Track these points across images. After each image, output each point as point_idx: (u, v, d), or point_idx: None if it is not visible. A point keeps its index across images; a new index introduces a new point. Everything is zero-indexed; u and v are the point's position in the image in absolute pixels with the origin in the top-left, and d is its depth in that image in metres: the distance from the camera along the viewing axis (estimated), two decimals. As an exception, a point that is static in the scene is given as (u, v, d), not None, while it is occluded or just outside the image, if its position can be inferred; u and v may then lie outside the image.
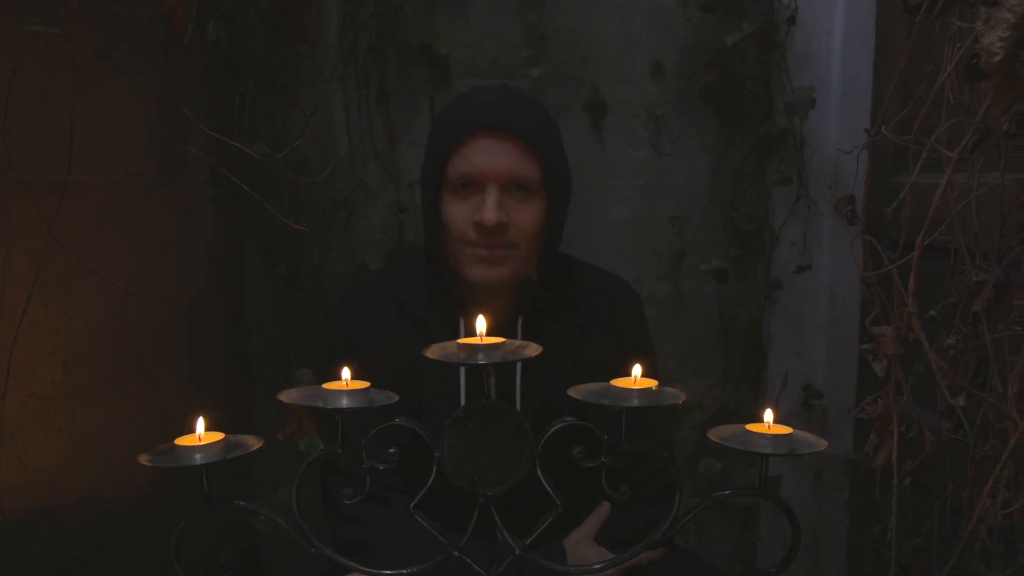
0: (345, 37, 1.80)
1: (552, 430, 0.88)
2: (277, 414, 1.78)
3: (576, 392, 0.86)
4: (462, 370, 1.22)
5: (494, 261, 1.18)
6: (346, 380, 0.88)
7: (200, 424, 0.86)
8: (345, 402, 0.85)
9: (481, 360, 0.82)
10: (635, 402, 0.83)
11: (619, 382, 0.86)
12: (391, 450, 0.87)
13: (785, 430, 0.83)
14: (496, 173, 1.15)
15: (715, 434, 0.84)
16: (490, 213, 1.14)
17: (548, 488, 0.88)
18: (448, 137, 1.18)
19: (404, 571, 0.89)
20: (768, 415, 0.85)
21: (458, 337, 1.17)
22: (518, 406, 1.23)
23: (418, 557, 0.91)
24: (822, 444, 0.82)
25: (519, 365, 1.22)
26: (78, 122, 1.10)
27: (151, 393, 1.38)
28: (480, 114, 1.17)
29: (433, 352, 0.84)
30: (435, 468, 0.86)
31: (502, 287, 1.19)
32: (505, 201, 1.16)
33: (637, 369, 0.87)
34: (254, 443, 0.86)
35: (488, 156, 1.15)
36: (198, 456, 0.82)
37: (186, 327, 1.57)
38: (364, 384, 0.88)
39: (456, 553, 0.89)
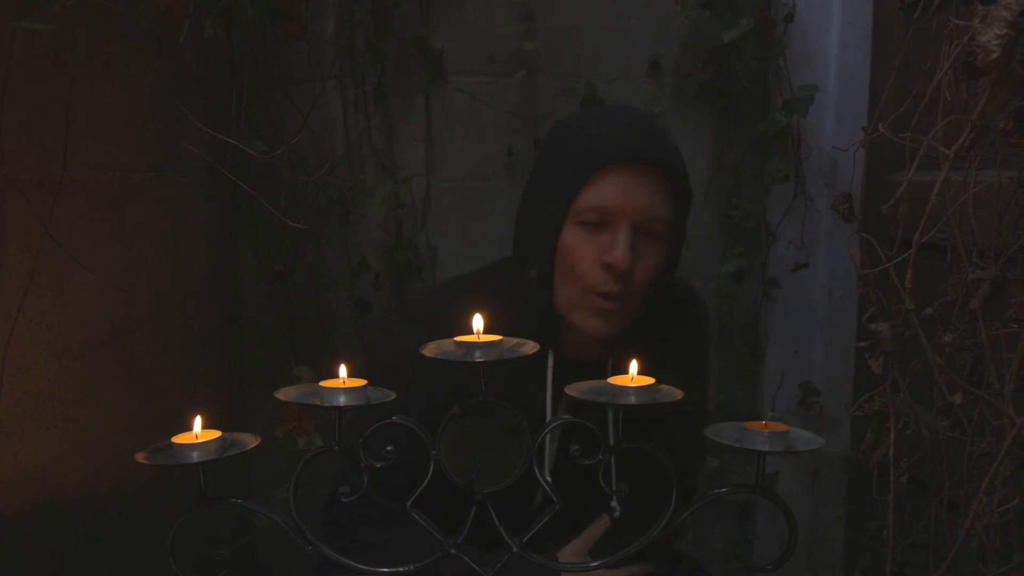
0: (342, 34, 1.79)
1: (549, 428, 0.88)
2: (274, 411, 1.79)
3: (573, 390, 0.85)
4: (548, 401, 1.15)
5: (609, 316, 1.09)
6: (343, 378, 0.87)
7: (197, 422, 0.85)
8: (342, 399, 0.84)
9: (478, 357, 0.81)
10: (632, 399, 0.83)
11: (616, 380, 0.85)
12: (388, 448, 0.87)
13: (782, 427, 0.83)
14: (634, 210, 1.06)
15: (712, 431, 0.84)
16: (623, 253, 1.05)
17: (545, 487, 0.88)
18: (586, 164, 1.06)
19: (401, 569, 0.89)
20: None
21: (545, 371, 1.15)
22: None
23: (414, 557, 0.90)
24: (819, 441, 0.82)
25: None
26: (73, 119, 1.09)
27: (146, 389, 1.38)
28: (628, 144, 1.07)
29: (429, 350, 0.84)
30: (432, 467, 0.86)
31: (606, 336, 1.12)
32: (635, 242, 1.06)
33: (634, 366, 0.86)
34: (251, 441, 0.86)
35: (628, 190, 1.06)
36: (195, 454, 0.82)
37: (181, 324, 1.57)
38: (361, 381, 0.87)
39: (453, 551, 0.89)
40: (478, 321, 0.86)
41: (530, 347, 0.85)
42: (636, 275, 1.08)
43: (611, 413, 1.07)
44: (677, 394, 0.84)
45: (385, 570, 0.89)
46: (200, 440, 0.83)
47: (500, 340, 0.84)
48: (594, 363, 1.17)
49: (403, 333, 1.24)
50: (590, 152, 1.07)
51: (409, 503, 0.89)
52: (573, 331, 1.13)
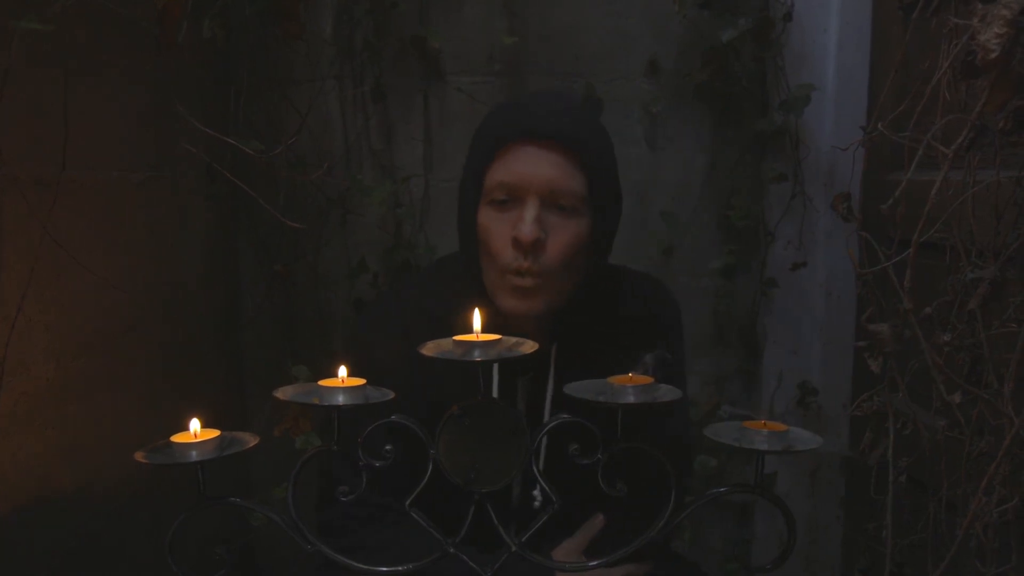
0: (340, 34, 1.79)
1: (548, 427, 0.88)
2: (273, 411, 1.79)
3: (572, 389, 0.85)
4: (495, 382, 1.14)
5: (526, 293, 1.09)
6: (342, 378, 0.87)
7: (194, 422, 0.85)
8: (341, 399, 0.84)
9: (477, 357, 0.81)
10: (631, 399, 0.83)
11: (615, 379, 0.85)
12: (387, 447, 0.87)
13: (781, 427, 0.83)
14: (537, 184, 1.07)
15: (711, 431, 0.84)
16: (528, 227, 1.06)
17: (544, 486, 0.88)
18: (488, 145, 1.10)
19: (400, 568, 0.89)
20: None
21: None
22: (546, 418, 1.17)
23: (412, 558, 0.90)
24: (818, 441, 0.82)
25: (551, 381, 1.17)
26: (72, 119, 1.09)
27: (144, 389, 1.38)
28: (524, 121, 1.09)
29: (428, 349, 0.84)
30: (431, 465, 0.86)
31: (535, 317, 1.12)
32: (545, 217, 1.08)
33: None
34: (250, 440, 0.86)
35: (529, 165, 1.07)
36: (194, 453, 0.82)
37: (179, 323, 1.56)
38: (360, 381, 0.87)
39: (452, 550, 0.89)
40: (477, 321, 0.86)
41: (528, 346, 0.85)
42: (549, 250, 1.08)
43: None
44: (677, 393, 0.84)
45: (384, 569, 0.89)
46: (199, 439, 0.83)
47: (499, 339, 0.84)
48: (539, 350, 1.16)
49: (370, 328, 1.26)
50: (495, 132, 1.10)
51: (408, 502, 0.89)
52: (509, 317, 1.12)
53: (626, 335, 1.20)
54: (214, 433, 0.85)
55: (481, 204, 1.11)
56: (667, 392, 0.84)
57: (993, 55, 0.77)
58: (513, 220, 1.08)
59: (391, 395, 0.87)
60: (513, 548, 0.89)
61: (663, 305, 1.30)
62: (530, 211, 1.07)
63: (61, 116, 1.08)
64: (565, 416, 0.87)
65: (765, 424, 0.83)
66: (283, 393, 0.86)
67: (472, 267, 1.14)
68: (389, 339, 1.18)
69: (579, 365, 1.03)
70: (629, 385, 0.84)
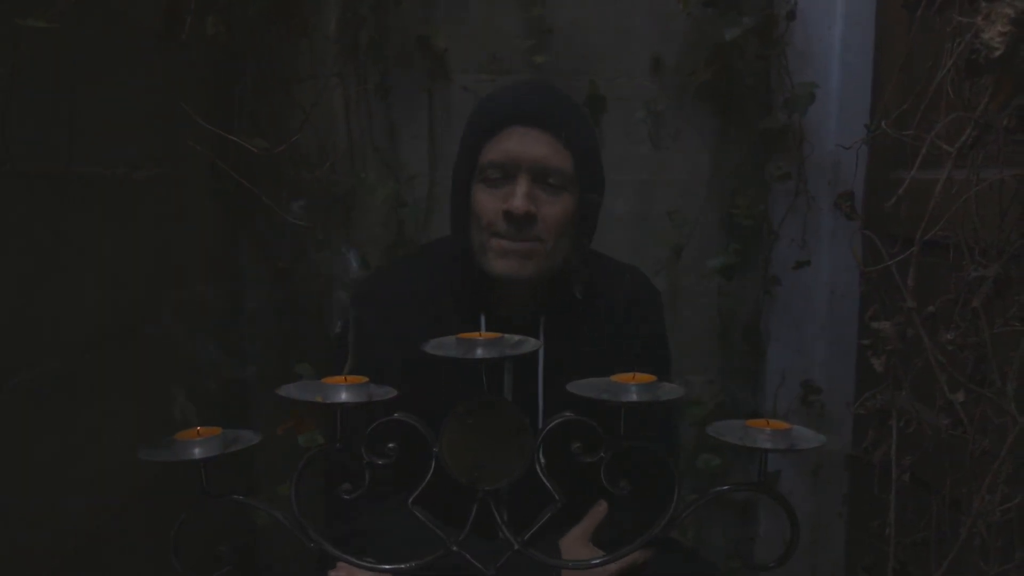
0: (345, 31, 1.79)
1: (550, 425, 0.88)
2: (276, 409, 1.79)
3: (574, 387, 0.86)
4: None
5: (519, 255, 1.16)
6: (345, 375, 0.88)
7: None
8: (344, 396, 0.84)
9: (480, 355, 0.82)
10: (634, 397, 0.83)
11: (618, 377, 0.85)
12: (390, 445, 0.87)
13: (784, 425, 0.83)
14: (528, 162, 1.15)
15: (714, 429, 0.84)
16: (519, 201, 1.14)
17: (547, 483, 0.88)
18: (484, 128, 1.18)
19: (403, 565, 0.89)
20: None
21: (479, 331, 1.15)
22: (540, 406, 1.20)
23: (415, 553, 0.90)
24: (821, 439, 0.82)
25: (540, 365, 1.21)
26: (78, 115, 1.10)
27: (148, 386, 1.38)
28: (513, 108, 1.18)
29: (431, 347, 0.84)
30: (434, 462, 0.86)
31: (525, 283, 1.18)
32: (535, 192, 1.16)
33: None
34: (253, 438, 0.86)
35: (521, 145, 1.15)
36: (197, 450, 0.82)
37: (183, 320, 1.57)
38: (362, 378, 0.87)
39: (455, 548, 0.89)
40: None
41: (531, 344, 0.85)
42: (539, 222, 1.16)
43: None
44: (679, 391, 0.84)
45: (388, 567, 0.89)
46: (202, 436, 0.84)
47: (501, 337, 0.85)
48: (526, 322, 1.22)
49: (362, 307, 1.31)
50: (489, 115, 1.20)
51: (411, 499, 0.89)
52: (498, 285, 1.20)
53: (608, 316, 1.27)
54: (217, 430, 0.85)
55: (475, 182, 1.19)
56: (669, 391, 0.84)
57: (997, 53, 0.77)
58: (505, 195, 1.16)
59: (394, 392, 0.87)
60: (516, 546, 0.89)
61: (645, 291, 1.36)
62: (521, 186, 1.15)
63: (67, 113, 1.09)
64: (569, 414, 0.87)
65: (768, 422, 0.83)
66: (286, 391, 0.87)
67: (463, 239, 1.21)
68: (381, 320, 1.25)
69: (565, 337, 1.16)
70: (632, 384, 0.84)
